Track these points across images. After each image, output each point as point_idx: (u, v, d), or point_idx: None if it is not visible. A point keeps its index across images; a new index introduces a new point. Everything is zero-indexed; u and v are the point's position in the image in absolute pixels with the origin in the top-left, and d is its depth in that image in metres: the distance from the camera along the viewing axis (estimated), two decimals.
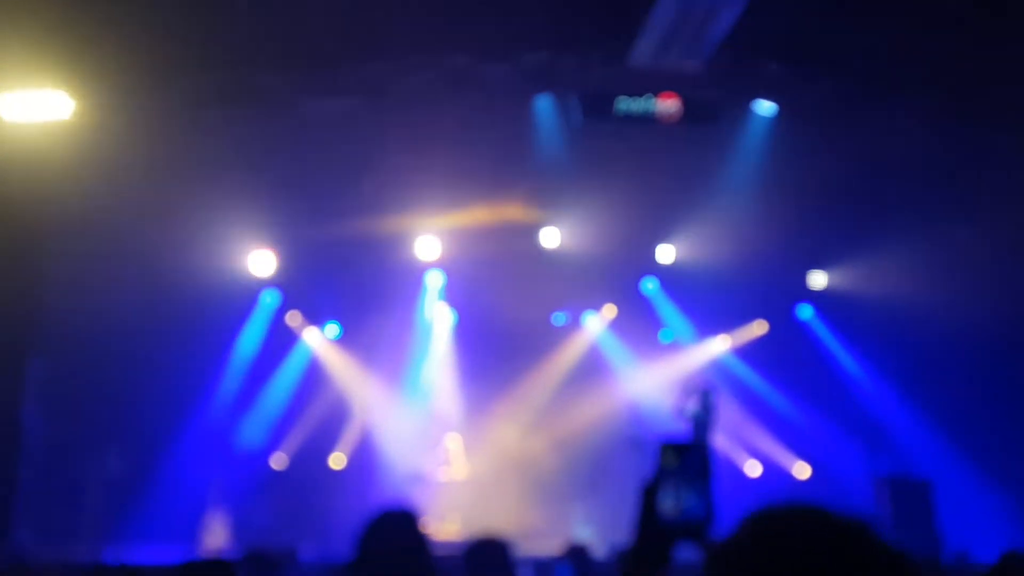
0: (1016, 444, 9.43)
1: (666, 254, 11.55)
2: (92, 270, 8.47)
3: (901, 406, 11.05)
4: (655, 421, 11.62)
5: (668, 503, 1.67)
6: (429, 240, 10.87)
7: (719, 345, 12.44)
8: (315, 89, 7.68)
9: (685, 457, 1.71)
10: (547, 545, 7.19)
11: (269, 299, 11.22)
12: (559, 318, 12.35)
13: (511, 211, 10.48)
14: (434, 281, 11.64)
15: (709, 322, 12.15)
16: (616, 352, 12.47)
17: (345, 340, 11.78)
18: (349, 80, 7.62)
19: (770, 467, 11.97)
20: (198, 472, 10.25)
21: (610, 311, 12.41)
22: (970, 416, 9.95)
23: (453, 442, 11.27)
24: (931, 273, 9.72)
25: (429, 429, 11.45)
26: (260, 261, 10.62)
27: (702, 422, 9.75)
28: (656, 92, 8.09)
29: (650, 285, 12.21)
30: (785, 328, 12.20)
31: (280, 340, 11.36)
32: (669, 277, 11.92)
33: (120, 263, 8.65)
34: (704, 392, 9.81)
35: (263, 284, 10.90)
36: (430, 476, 10.96)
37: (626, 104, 8.09)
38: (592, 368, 12.22)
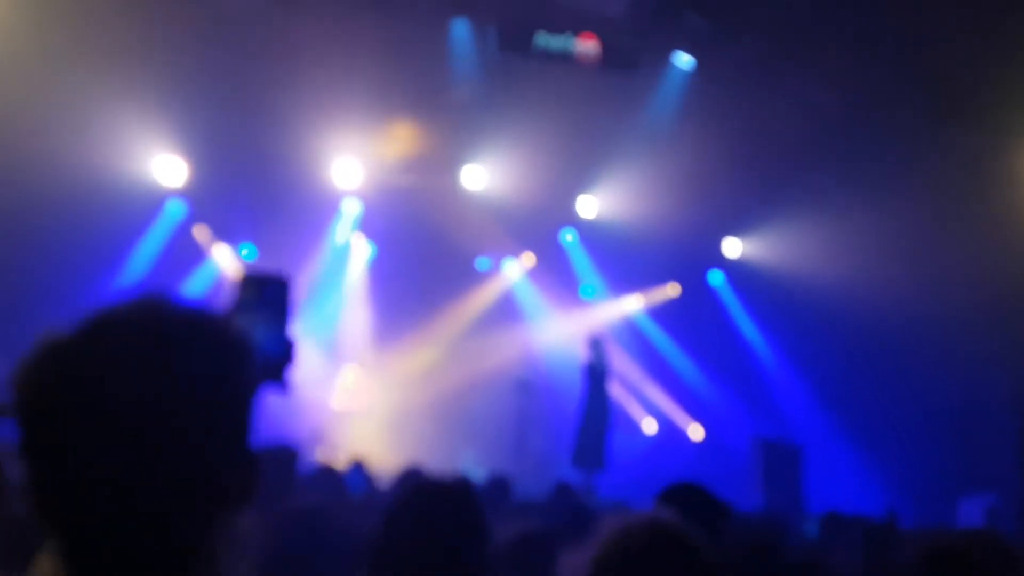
0: (888, 415, 9.83)
1: (588, 207, 11.52)
2: None
3: (790, 376, 11.41)
4: (553, 368, 11.74)
5: None
6: (348, 164, 10.57)
7: (631, 303, 12.57)
8: None
9: (264, 290, 1.59)
10: None
11: (174, 209, 10.77)
12: (483, 263, 12.25)
13: (433, 143, 10.25)
14: (350, 208, 11.37)
15: (623, 279, 12.24)
16: (530, 301, 12.48)
17: (256, 262, 11.43)
18: None
19: (667, 426, 12.24)
20: None
21: (528, 259, 12.38)
22: (850, 388, 10.34)
23: (353, 373, 11.15)
24: (836, 248, 9.93)
25: (331, 359, 11.29)
26: (168, 168, 10.16)
27: (596, 370, 9.90)
28: (576, 32, 7.93)
29: (568, 237, 12.20)
30: (696, 292, 12.38)
31: (183, 255, 10.94)
32: (588, 231, 11.92)
33: (8, 157, 8.13)
34: (595, 341, 9.94)
35: (169, 193, 10.45)
36: (329, 406, 10.84)
37: (545, 40, 7.92)
38: (504, 314, 12.22)
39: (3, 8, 6.60)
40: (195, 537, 0.96)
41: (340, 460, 9.87)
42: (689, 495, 2.80)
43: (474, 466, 9.57)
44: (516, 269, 12.40)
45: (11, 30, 6.88)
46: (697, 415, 12.21)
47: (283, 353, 1.57)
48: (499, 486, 4.71)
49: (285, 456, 4.08)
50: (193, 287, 11.12)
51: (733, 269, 12.23)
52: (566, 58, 8.09)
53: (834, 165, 9.47)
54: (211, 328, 1.00)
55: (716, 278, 12.54)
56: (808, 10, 7.56)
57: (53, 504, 0.93)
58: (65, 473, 0.92)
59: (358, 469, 5.12)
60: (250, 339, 1.04)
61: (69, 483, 0.92)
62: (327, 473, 4.75)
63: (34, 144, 8.38)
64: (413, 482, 2.02)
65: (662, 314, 12.49)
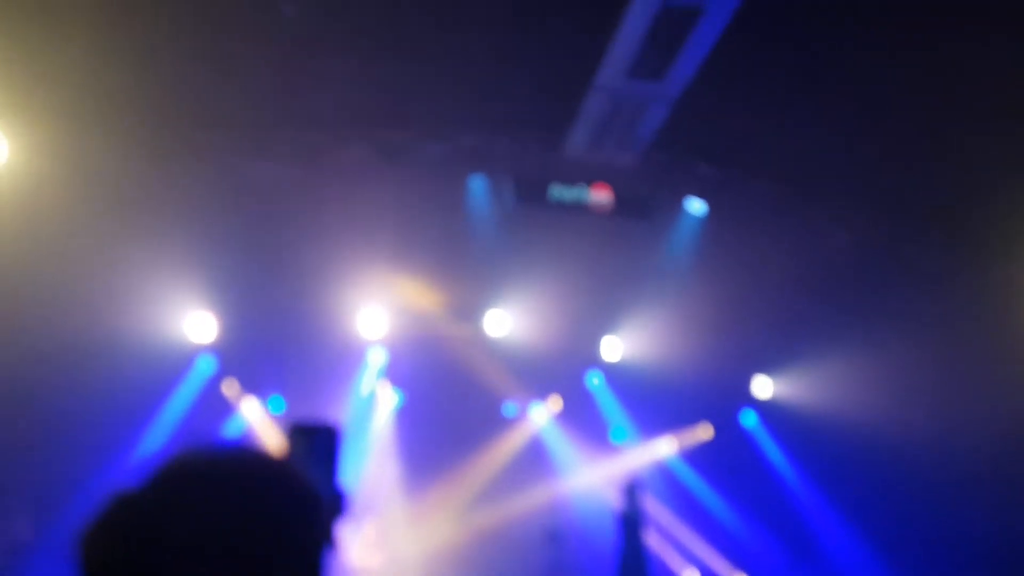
0: (927, 554, 9.28)
1: (612, 350, 11.53)
2: (14, 319, 8.26)
3: (830, 518, 10.91)
4: (584, 517, 11.35)
5: None
6: (372, 315, 10.78)
7: (664, 447, 12.29)
8: (250, 152, 7.73)
9: (314, 440, 1.59)
10: None
11: (204, 365, 10.97)
12: (510, 408, 12.18)
13: (455, 294, 10.47)
14: (376, 358, 11.48)
15: (653, 422, 12.04)
16: (558, 446, 12.27)
17: (283, 414, 11.49)
18: (285, 146, 7.70)
19: (706, 574, 11.64)
20: None
21: (555, 403, 12.28)
22: (899, 533, 9.83)
23: (374, 528, 10.88)
24: (862, 384, 9.74)
25: (355, 512, 11.05)
26: (198, 325, 10.44)
27: (631, 518, 9.56)
28: (589, 182, 8.24)
29: (595, 380, 12.13)
30: (729, 433, 12.10)
31: (213, 409, 11.05)
32: (614, 373, 11.86)
33: (45, 314, 8.45)
34: (630, 488, 9.66)
35: (199, 349, 10.68)
36: (349, 561, 10.52)
37: (559, 192, 8.22)
38: (533, 460, 12.00)
39: (53, 171, 7.06)
40: None
41: None
42: None
43: None
44: (543, 414, 12.28)
45: (57, 192, 7.32)
46: (738, 562, 11.61)
47: (333, 504, 1.56)
48: None
49: None
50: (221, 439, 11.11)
51: (765, 409, 11.99)
52: (580, 208, 8.37)
53: (851, 301, 9.46)
54: (282, 479, 0.99)
55: (749, 418, 12.28)
56: (816, 155, 7.80)
57: None
58: None
59: None
60: (318, 490, 1.03)
61: None
62: None
63: (70, 304, 8.71)
64: None
65: (695, 457, 12.18)
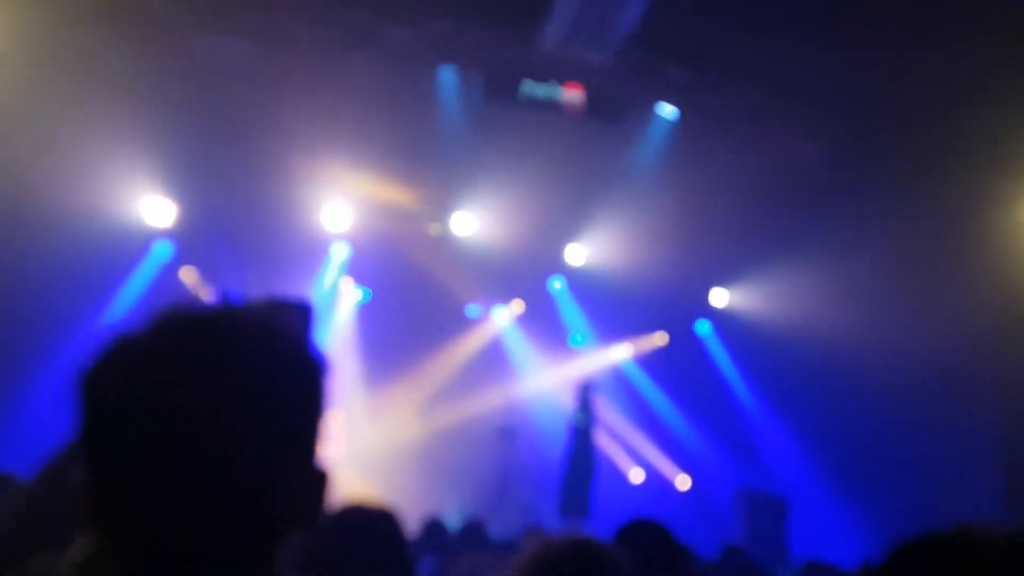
0: (872, 466, 9.73)
1: (576, 255, 11.57)
2: None
3: (777, 426, 11.34)
4: (539, 416, 11.65)
5: None
6: (337, 208, 10.62)
7: (620, 352, 12.54)
8: (213, 27, 7.38)
9: (286, 316, 1.55)
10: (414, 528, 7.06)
11: (161, 251, 10.77)
12: (473, 310, 12.27)
13: (421, 191, 10.33)
14: (339, 252, 11.40)
15: (612, 328, 12.23)
16: (518, 348, 12.45)
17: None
18: (250, 23, 7.36)
19: (653, 476, 12.10)
20: (57, 423, 9.74)
21: (518, 306, 12.39)
22: (835, 439, 10.27)
23: (335, 418, 11.05)
24: (821, 298, 9.95)
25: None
26: (155, 209, 10.18)
27: (582, 419, 9.83)
28: (562, 80, 8.06)
29: (557, 284, 12.23)
30: (684, 341, 12.36)
31: (170, 297, 10.89)
32: (577, 278, 11.95)
33: None
34: (583, 390, 9.89)
35: (156, 234, 10.46)
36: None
37: (531, 88, 8.04)
38: (492, 360, 12.18)
39: None
40: (257, 553, 0.91)
41: None
42: (649, 534, 2.76)
43: (456, 512, 9.42)
44: (505, 316, 12.40)
45: (3, 76, 6.95)
46: (683, 465, 12.08)
47: None
48: (473, 529, 4.64)
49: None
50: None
51: (720, 318, 12.24)
52: (552, 106, 8.21)
53: (818, 215, 9.55)
54: (291, 342, 0.97)
55: (703, 327, 12.53)
56: (790, 63, 7.71)
57: (112, 507, 0.88)
58: (130, 475, 0.87)
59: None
60: (327, 358, 1.01)
61: (133, 485, 0.87)
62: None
63: (19, 182, 8.42)
64: (341, 509, 1.98)
65: (650, 363, 12.46)
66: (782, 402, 11.32)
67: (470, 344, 12.33)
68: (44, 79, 7.31)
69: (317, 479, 0.97)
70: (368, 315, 11.87)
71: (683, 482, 12.06)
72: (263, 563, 0.92)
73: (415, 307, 11.51)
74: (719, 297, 12.10)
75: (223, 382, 0.89)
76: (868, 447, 9.76)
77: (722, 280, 11.90)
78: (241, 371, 0.90)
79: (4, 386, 9.55)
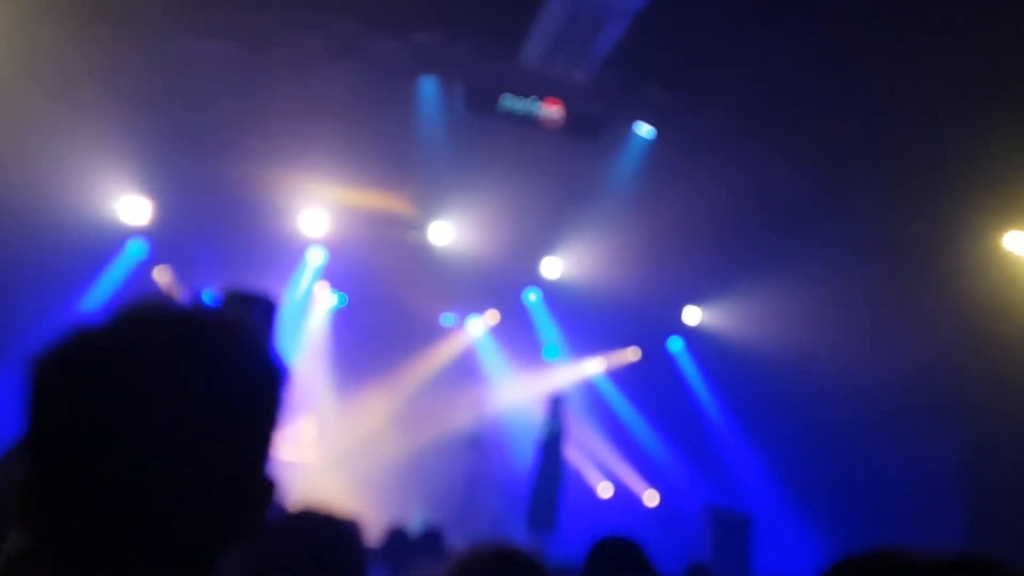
0: (837, 485, 9.86)
1: (551, 268, 11.63)
2: None
3: (743, 444, 11.45)
4: (509, 427, 11.68)
5: None
6: (315, 214, 10.61)
7: (592, 366, 12.60)
8: (195, 30, 7.38)
9: (250, 309, 1.57)
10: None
11: (135, 249, 10.69)
12: (448, 319, 12.29)
13: (400, 199, 10.36)
14: (315, 258, 11.37)
15: (585, 342, 12.30)
16: (491, 358, 12.48)
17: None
18: (233, 26, 7.37)
19: (621, 491, 12.15)
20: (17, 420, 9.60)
21: (492, 317, 12.42)
22: (801, 457, 10.39)
23: (307, 424, 11.00)
24: (791, 319, 10.08)
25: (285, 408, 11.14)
26: (131, 207, 10.12)
27: (552, 432, 9.86)
28: (542, 96, 8.15)
29: (532, 296, 12.28)
30: (656, 357, 12.45)
31: (139, 295, 10.80)
32: (552, 291, 12.01)
33: None
34: (554, 403, 9.93)
35: (130, 233, 10.38)
36: (277, 455, 10.65)
37: (511, 102, 8.12)
38: (465, 371, 12.19)
39: None
40: (197, 558, 0.89)
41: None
42: (620, 551, 2.80)
43: (421, 521, 9.40)
44: (480, 326, 12.43)
45: None
46: (652, 481, 12.15)
47: None
48: (433, 538, 4.66)
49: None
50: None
51: (692, 336, 12.35)
52: (530, 121, 8.29)
53: (792, 237, 9.69)
54: (253, 348, 0.94)
55: (675, 344, 12.64)
56: (768, 87, 7.84)
57: (51, 500, 0.85)
58: (71, 469, 0.84)
59: (277, 511, 4.99)
60: (288, 364, 0.98)
61: (73, 480, 0.84)
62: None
63: None
64: (296, 512, 1.99)
65: (621, 378, 12.53)
66: (749, 420, 11.44)
67: (443, 353, 12.34)
68: (24, 76, 7.26)
69: (264, 488, 0.95)
70: (342, 320, 11.85)
71: (651, 498, 12.12)
72: (202, 568, 0.89)
73: (390, 314, 11.51)
74: (691, 315, 12.22)
75: (176, 383, 0.86)
76: (833, 466, 9.89)
77: (695, 298, 12.01)
78: (196, 373, 0.88)
79: None
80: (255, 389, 0.93)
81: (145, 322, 0.90)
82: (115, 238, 10.29)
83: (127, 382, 0.85)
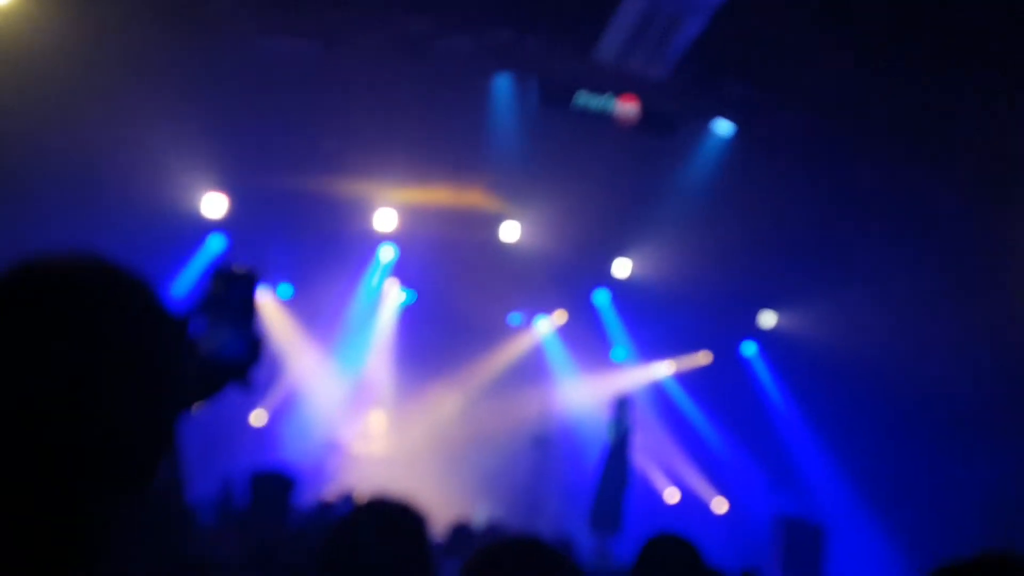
0: (917, 494, 9.46)
1: (622, 268, 11.49)
2: (23, 180, 8.25)
3: (818, 452, 11.08)
4: (575, 428, 11.59)
5: (208, 337, 1.53)
6: (387, 211, 10.73)
7: (661, 369, 12.41)
8: (270, 25, 7.52)
9: (233, 287, 1.54)
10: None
11: (215, 244, 11.00)
12: (515, 318, 12.29)
13: (472, 197, 10.38)
14: (386, 255, 11.50)
15: (654, 344, 12.12)
16: (558, 359, 12.42)
17: (290, 299, 11.61)
18: (309, 24, 7.49)
19: (689, 496, 11.93)
20: None
21: (560, 317, 12.35)
22: (878, 465, 10.00)
23: (378, 418, 11.14)
24: (871, 324, 9.71)
25: (356, 401, 11.32)
26: (211, 203, 10.41)
27: (619, 434, 9.74)
28: (617, 92, 8.02)
29: (601, 297, 12.15)
30: (728, 361, 12.18)
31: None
32: (622, 292, 11.86)
33: (59, 180, 8.43)
34: (621, 404, 9.80)
35: (211, 227, 10.69)
36: (347, 447, 10.83)
37: (586, 98, 8.01)
38: (532, 370, 12.17)
39: (66, 48, 6.89)
40: (86, 506, 0.89)
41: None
42: (673, 549, 2.72)
43: (484, 518, 9.41)
44: (547, 326, 12.38)
45: (72, 70, 7.18)
46: (721, 487, 11.88)
47: (249, 352, 1.55)
48: (496, 532, 4.62)
49: (279, 484, 4.06)
50: None
51: (766, 340, 12.03)
52: (605, 118, 8.17)
53: (875, 239, 9.32)
54: (139, 296, 0.96)
55: (749, 349, 12.33)
56: (853, 84, 7.55)
57: None
58: None
59: (347, 502, 5.09)
60: (180, 315, 1.00)
61: None
62: (322, 507, 4.72)
63: (88, 175, 8.69)
64: (366, 503, 1.98)
65: (691, 381, 12.30)
66: (825, 427, 11.07)
67: (511, 351, 12.34)
68: (113, 75, 7.54)
69: (148, 446, 0.94)
70: (411, 317, 11.96)
71: (719, 505, 11.86)
72: (93, 515, 0.90)
73: (458, 312, 11.56)
74: (767, 318, 11.90)
75: (54, 330, 0.89)
76: (912, 474, 9.50)
77: (771, 301, 11.69)
78: (76, 320, 0.90)
79: None
80: (136, 343, 0.94)
81: (35, 276, 0.93)
82: (197, 232, 10.61)
83: (16, 326, 0.89)
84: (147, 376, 0.94)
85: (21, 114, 7.26)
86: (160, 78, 7.77)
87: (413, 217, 10.74)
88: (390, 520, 1.91)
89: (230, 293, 1.53)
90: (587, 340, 12.13)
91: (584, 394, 11.86)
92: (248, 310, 1.54)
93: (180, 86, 7.98)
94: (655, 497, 11.71)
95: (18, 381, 0.87)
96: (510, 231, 10.91)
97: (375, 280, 11.67)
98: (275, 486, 3.94)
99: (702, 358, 12.33)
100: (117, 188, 8.92)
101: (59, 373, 0.88)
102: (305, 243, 10.86)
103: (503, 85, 8.80)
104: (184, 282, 10.80)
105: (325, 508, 4.73)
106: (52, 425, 0.87)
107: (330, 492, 9.13)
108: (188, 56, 7.64)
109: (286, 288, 11.45)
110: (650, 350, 12.20)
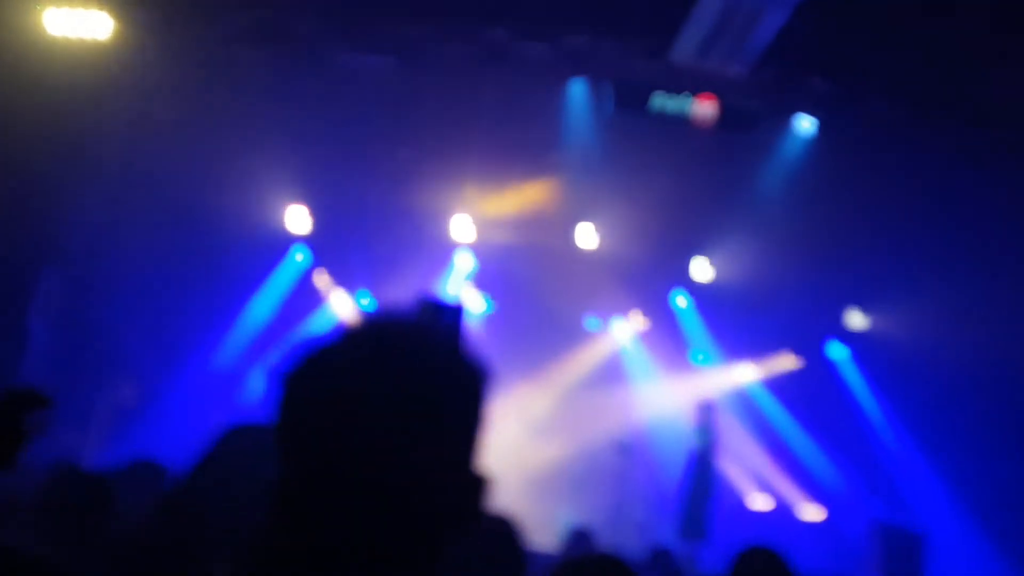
0: (1020, 501, 8.94)
1: (701, 270, 11.26)
2: (122, 194, 8.64)
3: (916, 457, 10.61)
4: (658, 434, 11.39)
5: None
6: (464, 219, 10.80)
7: (745, 372, 12.11)
8: (351, 43, 7.68)
9: (442, 316, 1.60)
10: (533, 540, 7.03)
11: (300, 256, 11.30)
12: (592, 323, 12.19)
13: (547, 202, 10.36)
14: (464, 262, 11.57)
15: (737, 347, 11.83)
16: (638, 363, 12.25)
17: (370, 309, 11.82)
18: (385, 39, 7.61)
19: (779, 504, 11.58)
20: (201, 417, 10.35)
21: (639, 321, 12.19)
22: (980, 471, 9.51)
23: None
24: (965, 323, 9.25)
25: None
26: (296, 217, 10.71)
27: (703, 439, 9.53)
28: (695, 92, 7.86)
29: (680, 299, 11.94)
30: (814, 364, 11.79)
31: (305, 299, 11.43)
32: (701, 294, 11.64)
33: (150, 194, 8.80)
34: (705, 409, 9.59)
35: (295, 240, 10.99)
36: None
37: (662, 101, 7.88)
38: (611, 375, 12.04)
39: (157, 54, 7.20)
40: (418, 554, 1.00)
41: None
42: (764, 562, 2.64)
43: (565, 525, 9.35)
44: (626, 330, 12.23)
45: (157, 73, 7.49)
46: (813, 495, 11.50)
47: None
48: (581, 539, 4.57)
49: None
50: (314, 328, 11.60)
51: (856, 341, 11.60)
52: (681, 119, 8.03)
53: (964, 235, 8.88)
54: (460, 354, 1.08)
55: (837, 351, 11.92)
56: (943, 74, 7.20)
57: (299, 500, 0.97)
58: (316, 471, 0.96)
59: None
60: (491, 372, 1.12)
61: (318, 481, 0.96)
62: None
63: (178, 194, 9.08)
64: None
65: (776, 385, 11.96)
66: (923, 430, 10.59)
67: (590, 357, 12.23)
68: (202, 92, 7.84)
69: (476, 483, 1.05)
70: (489, 324, 11.99)
71: (811, 513, 11.47)
72: (424, 564, 0.99)
73: (535, 318, 11.53)
74: (855, 319, 11.47)
75: (400, 392, 0.99)
76: (1017, 480, 8.99)
77: (858, 301, 11.27)
78: (412, 380, 1.00)
79: (147, 378, 10.27)
80: (464, 392, 1.07)
81: (372, 339, 1.04)
82: (281, 245, 10.93)
83: (358, 394, 0.99)
84: (477, 421, 1.08)
85: (118, 138, 7.61)
86: (246, 97, 8.04)
87: (490, 224, 10.79)
88: (487, 528, 1.90)
89: (439, 323, 1.57)
90: (665, 343, 11.94)
91: (664, 399, 11.66)
92: (455, 340, 1.60)
93: (268, 106, 8.24)
94: (744, 505, 11.41)
95: (401, 430, 0.98)
96: (587, 236, 10.83)
97: (452, 287, 11.76)
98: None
99: (786, 361, 11.97)
100: (209, 206, 9.27)
101: (430, 418, 1.01)
102: (384, 252, 11.05)
103: (578, 91, 8.76)
104: (272, 292, 11.15)
105: None
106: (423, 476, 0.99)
107: None
108: (276, 77, 7.88)
109: (365, 295, 11.67)
110: (732, 353, 11.92)
